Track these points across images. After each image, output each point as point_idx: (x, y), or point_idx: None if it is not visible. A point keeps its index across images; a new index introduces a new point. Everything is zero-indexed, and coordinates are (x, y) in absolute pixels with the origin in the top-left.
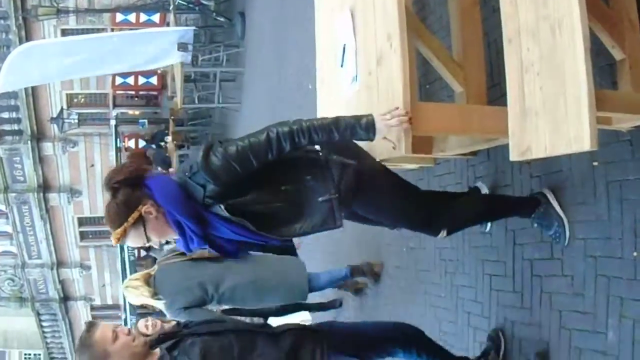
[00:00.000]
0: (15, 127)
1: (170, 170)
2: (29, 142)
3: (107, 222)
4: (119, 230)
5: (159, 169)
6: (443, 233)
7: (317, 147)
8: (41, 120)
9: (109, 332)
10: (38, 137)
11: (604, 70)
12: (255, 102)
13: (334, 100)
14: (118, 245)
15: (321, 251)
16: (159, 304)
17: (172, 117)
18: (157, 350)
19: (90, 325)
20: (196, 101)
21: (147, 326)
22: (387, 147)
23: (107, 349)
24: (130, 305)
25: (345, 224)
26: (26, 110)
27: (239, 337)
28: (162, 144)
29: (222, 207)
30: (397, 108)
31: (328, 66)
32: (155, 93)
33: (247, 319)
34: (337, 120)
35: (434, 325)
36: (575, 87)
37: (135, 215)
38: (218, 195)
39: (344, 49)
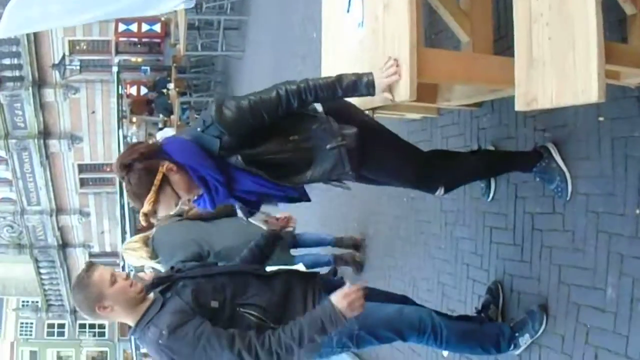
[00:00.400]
0: (17, 73)
1: (172, 117)
2: (30, 88)
3: (132, 198)
4: (150, 195)
5: (161, 116)
6: (440, 191)
7: (320, 109)
8: (43, 67)
9: (108, 275)
10: (39, 83)
11: (613, 25)
12: (259, 51)
13: (338, 46)
14: (118, 191)
15: (319, 205)
16: (158, 266)
17: (175, 65)
18: (152, 295)
19: (90, 266)
20: (199, 49)
21: (145, 273)
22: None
23: (103, 291)
24: None
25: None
26: (28, 57)
27: (232, 278)
28: (164, 91)
29: (238, 157)
30: (390, 58)
31: (334, 13)
32: (158, 40)
33: None
34: (340, 78)
35: (432, 276)
36: (584, 38)
37: (159, 177)
38: (232, 147)
39: None
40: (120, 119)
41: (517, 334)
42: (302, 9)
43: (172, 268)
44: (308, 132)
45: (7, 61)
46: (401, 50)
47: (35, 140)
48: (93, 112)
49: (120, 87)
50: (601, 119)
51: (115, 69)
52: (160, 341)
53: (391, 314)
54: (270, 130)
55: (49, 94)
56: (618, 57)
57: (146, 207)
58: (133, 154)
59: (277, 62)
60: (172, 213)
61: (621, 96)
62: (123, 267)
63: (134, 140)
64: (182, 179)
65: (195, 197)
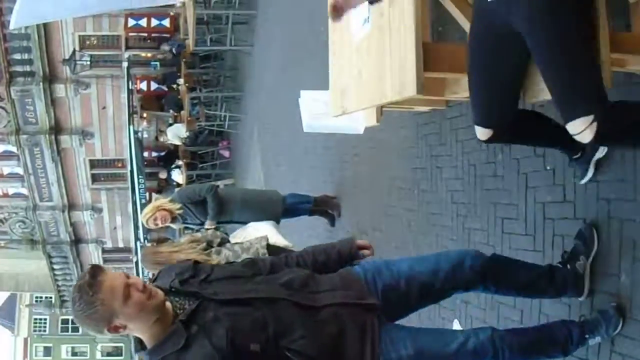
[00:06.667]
0: (27, 68)
1: (182, 112)
2: (41, 83)
3: None
4: None
5: (171, 111)
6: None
7: None
8: (53, 62)
9: (120, 286)
10: (50, 78)
11: (617, 12)
12: (268, 45)
13: (345, 42)
14: (129, 187)
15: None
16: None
17: (184, 60)
18: (169, 304)
19: (95, 272)
20: (208, 43)
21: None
22: (395, 86)
23: (115, 308)
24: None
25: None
26: (38, 52)
27: (273, 309)
28: (174, 86)
29: None
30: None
31: None
32: (167, 35)
33: None
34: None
35: None
36: None
37: None
38: None
39: None
40: (131, 115)
41: (587, 336)
42: (310, 2)
43: (193, 277)
44: None
45: (17, 56)
46: (407, 46)
47: (47, 135)
48: (104, 107)
49: (130, 82)
50: None
51: (125, 64)
52: None
53: (454, 348)
54: None
55: (59, 89)
56: (623, 45)
57: None
58: None
59: (285, 56)
60: None
61: (627, 83)
62: (137, 264)
63: (145, 136)
64: None
65: None
